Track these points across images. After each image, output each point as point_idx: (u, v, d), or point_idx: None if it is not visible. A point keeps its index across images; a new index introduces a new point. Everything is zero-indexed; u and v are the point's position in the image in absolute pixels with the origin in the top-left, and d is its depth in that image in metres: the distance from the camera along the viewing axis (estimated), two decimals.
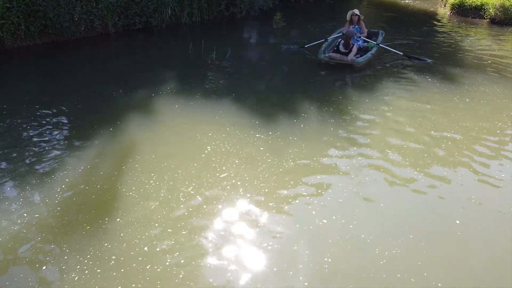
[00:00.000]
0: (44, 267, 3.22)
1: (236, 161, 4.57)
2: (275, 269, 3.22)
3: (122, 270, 3.19)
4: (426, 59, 8.03)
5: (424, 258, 3.33)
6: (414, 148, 4.91)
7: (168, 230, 3.60)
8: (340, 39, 8.00)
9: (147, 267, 3.22)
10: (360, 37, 8.21)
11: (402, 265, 3.26)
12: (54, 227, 3.62)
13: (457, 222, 3.73)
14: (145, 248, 3.39)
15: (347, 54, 7.54)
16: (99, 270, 3.19)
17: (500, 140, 5.12)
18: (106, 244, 3.43)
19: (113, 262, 3.26)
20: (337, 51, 7.71)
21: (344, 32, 7.73)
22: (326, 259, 3.30)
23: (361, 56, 7.74)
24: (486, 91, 6.65)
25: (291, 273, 3.18)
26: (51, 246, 3.42)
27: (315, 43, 8.44)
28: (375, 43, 8.21)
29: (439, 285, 3.08)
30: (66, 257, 3.32)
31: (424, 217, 3.79)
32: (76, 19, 9.02)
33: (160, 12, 10.20)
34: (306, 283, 3.09)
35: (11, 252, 3.36)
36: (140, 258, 3.30)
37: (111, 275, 3.15)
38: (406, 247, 3.43)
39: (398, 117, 5.71)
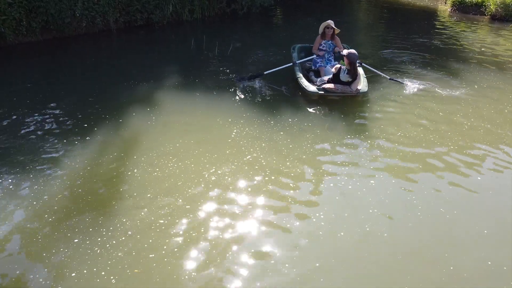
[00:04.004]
0: (76, 240, 3.50)
1: (263, 145, 4.95)
2: (307, 253, 3.51)
3: (139, 244, 3.46)
4: (404, 81, 7.03)
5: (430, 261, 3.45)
6: (416, 144, 5.25)
7: (187, 206, 3.89)
8: (334, 62, 6.80)
9: (165, 241, 3.48)
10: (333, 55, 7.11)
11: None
12: (76, 207, 3.87)
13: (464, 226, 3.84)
14: (161, 221, 3.66)
15: (349, 83, 6.10)
16: (114, 242, 3.48)
17: (503, 138, 5.40)
18: (124, 220, 3.71)
19: (125, 237, 3.53)
20: (336, 80, 6.14)
21: (344, 54, 6.09)
22: (353, 248, 3.61)
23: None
24: (488, 88, 6.99)
25: (322, 256, 3.48)
26: (75, 223, 3.68)
27: (278, 68, 6.87)
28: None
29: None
30: (91, 230, 3.61)
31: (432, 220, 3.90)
32: (78, 15, 9.27)
33: (161, 8, 10.50)
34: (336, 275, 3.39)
35: (46, 226, 3.62)
36: (156, 232, 3.57)
37: (129, 246, 3.43)
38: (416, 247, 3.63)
39: (403, 109, 6.08)
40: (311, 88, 6.10)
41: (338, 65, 6.18)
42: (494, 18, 12.51)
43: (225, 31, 10.60)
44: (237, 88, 6.64)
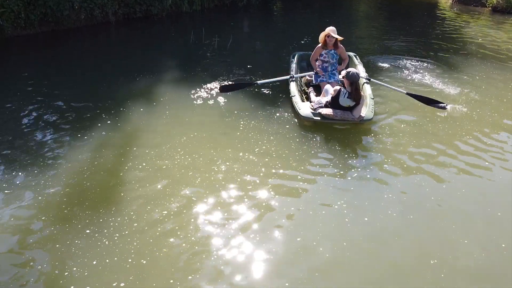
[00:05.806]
0: (87, 231, 3.58)
1: (271, 138, 5.03)
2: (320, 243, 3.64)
3: (154, 231, 3.55)
4: (442, 103, 5.76)
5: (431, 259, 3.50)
6: (424, 136, 5.35)
7: (195, 198, 3.96)
8: (337, 77, 6.01)
9: (180, 228, 3.58)
10: (337, 70, 6.21)
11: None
12: (85, 200, 3.94)
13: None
14: (172, 210, 3.77)
15: (351, 108, 5.24)
16: (127, 232, 3.55)
17: (504, 130, 5.47)
18: (135, 210, 3.79)
19: (138, 225, 3.63)
20: (335, 104, 5.25)
21: (342, 75, 5.31)
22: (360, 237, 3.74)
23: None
24: (489, 78, 7.10)
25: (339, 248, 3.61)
26: (86, 215, 3.75)
27: (273, 80, 6.06)
28: (363, 78, 5.99)
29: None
30: (101, 220, 3.68)
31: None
32: (76, 7, 9.30)
33: (161, 0, 10.54)
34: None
35: (56, 219, 3.69)
36: (171, 219, 3.66)
37: (145, 233, 3.54)
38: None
39: (407, 105, 6.10)
40: (305, 111, 5.27)
41: (338, 87, 5.29)
42: (495, 10, 12.64)
43: (224, 24, 10.66)
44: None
